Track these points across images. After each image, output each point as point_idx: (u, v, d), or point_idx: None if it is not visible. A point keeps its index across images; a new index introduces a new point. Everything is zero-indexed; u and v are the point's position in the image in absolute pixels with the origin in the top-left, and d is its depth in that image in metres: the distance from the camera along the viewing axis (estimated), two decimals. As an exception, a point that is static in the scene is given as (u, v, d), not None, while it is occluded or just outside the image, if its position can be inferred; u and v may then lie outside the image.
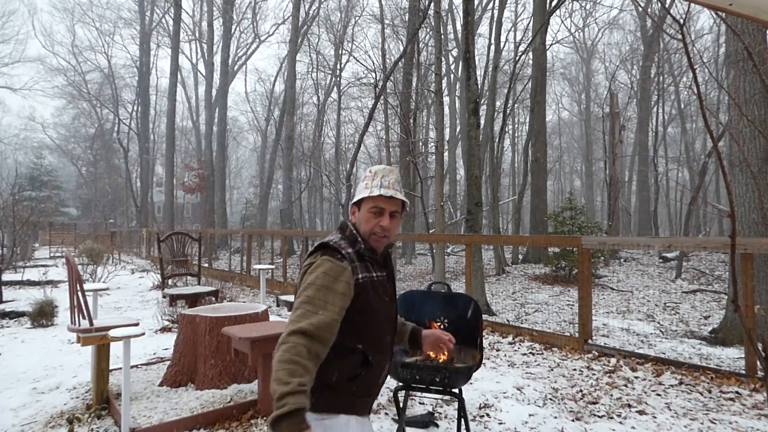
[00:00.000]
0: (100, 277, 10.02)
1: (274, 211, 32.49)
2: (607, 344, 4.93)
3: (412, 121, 13.25)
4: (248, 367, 3.62)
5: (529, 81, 15.09)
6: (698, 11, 21.09)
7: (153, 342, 5.15)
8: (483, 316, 3.30)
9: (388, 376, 1.61)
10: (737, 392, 3.52)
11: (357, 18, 26.29)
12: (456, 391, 2.35)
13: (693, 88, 16.44)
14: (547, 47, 16.13)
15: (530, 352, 4.76)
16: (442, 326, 2.47)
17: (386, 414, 3.25)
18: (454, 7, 24.05)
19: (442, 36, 12.22)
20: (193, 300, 5.20)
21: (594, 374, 4.05)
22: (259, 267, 5.64)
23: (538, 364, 4.36)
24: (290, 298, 4.75)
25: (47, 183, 38.47)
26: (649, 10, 20.57)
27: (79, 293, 3.20)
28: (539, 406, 3.34)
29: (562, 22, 27.16)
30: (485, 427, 3.04)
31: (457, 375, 2.28)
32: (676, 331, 5.98)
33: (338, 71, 26.62)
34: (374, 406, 3.09)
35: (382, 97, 13.88)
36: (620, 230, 21.72)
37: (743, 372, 3.80)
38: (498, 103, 16.92)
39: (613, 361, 4.35)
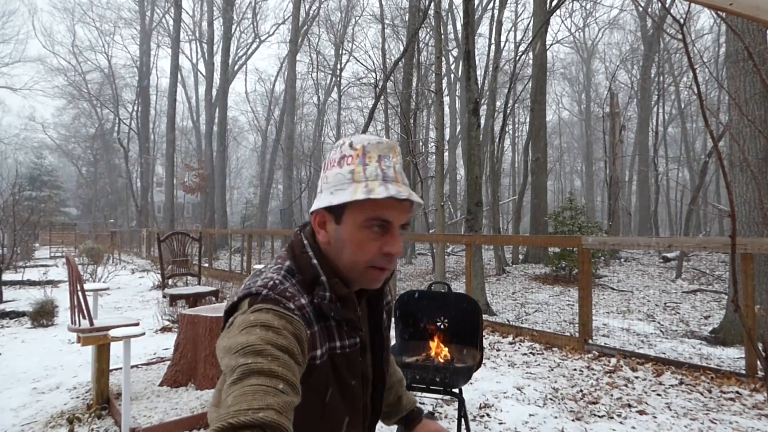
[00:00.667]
0: (100, 277, 10.03)
1: (275, 211, 32.53)
2: (608, 344, 4.93)
3: (412, 121, 13.26)
4: (248, 367, 3.61)
5: (529, 81, 15.11)
6: (698, 11, 21.10)
7: (153, 342, 5.15)
8: (483, 316, 3.31)
9: None
10: (737, 392, 3.52)
11: (357, 18, 26.39)
12: (456, 391, 2.34)
13: (693, 88, 16.44)
14: (548, 47, 16.16)
15: (530, 352, 4.76)
16: (442, 326, 2.47)
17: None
18: (454, 7, 24.07)
19: (442, 36, 12.21)
20: (194, 300, 5.20)
21: (594, 374, 4.05)
22: (259, 267, 5.64)
23: (539, 364, 4.36)
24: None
25: (47, 183, 38.56)
26: (649, 10, 20.59)
27: (80, 293, 3.20)
28: (539, 406, 3.34)
29: (563, 22, 27.26)
30: (485, 427, 3.04)
31: (457, 375, 2.27)
32: (676, 331, 5.98)
33: (338, 71, 26.65)
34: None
35: (382, 97, 13.89)
36: (620, 230, 21.71)
37: (743, 372, 3.79)
38: (498, 103, 16.94)
39: (614, 361, 4.35)
